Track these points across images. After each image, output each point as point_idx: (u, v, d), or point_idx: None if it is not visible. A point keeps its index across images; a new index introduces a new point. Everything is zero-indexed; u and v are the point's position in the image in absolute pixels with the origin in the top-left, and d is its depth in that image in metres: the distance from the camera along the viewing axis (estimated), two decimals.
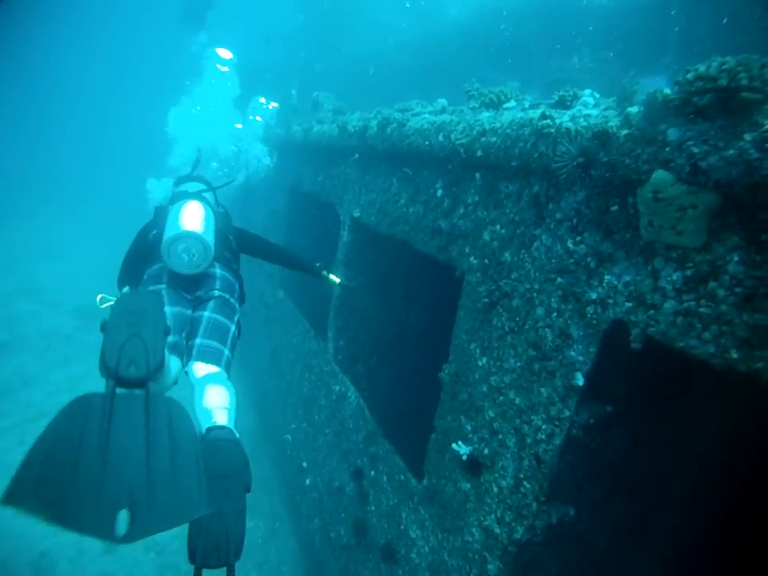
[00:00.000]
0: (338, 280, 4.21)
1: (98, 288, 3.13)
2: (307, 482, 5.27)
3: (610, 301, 1.87)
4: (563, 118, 1.94)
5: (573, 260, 2.04)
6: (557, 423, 2.11)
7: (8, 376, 8.88)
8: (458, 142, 2.53)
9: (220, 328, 2.89)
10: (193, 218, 3.00)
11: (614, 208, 1.85)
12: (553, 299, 2.14)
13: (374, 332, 4.91)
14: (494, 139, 2.32)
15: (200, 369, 2.66)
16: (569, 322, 2.06)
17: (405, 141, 3.18)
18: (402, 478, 3.40)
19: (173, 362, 2.54)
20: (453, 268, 2.87)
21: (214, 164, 7.54)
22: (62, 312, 12.16)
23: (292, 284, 6.93)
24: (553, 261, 2.14)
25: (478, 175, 2.65)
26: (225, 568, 1.84)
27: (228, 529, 1.90)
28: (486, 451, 2.55)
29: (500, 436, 2.45)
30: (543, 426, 2.18)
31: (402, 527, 3.34)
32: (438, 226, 2.93)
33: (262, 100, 8.10)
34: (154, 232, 3.22)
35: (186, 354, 2.76)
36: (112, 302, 2.92)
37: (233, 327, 2.98)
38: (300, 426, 5.59)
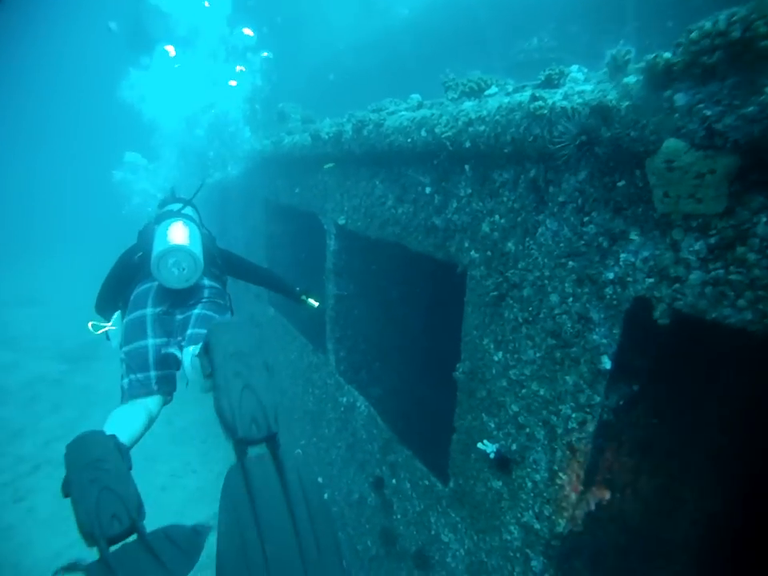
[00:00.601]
0: (316, 304, 4.22)
1: (81, 328, 3.09)
2: (325, 497, 5.16)
3: (629, 279, 1.81)
4: (555, 98, 1.88)
5: (583, 242, 1.98)
6: (587, 410, 2.06)
7: None
8: (443, 136, 2.46)
9: (209, 319, 2.96)
10: (180, 233, 3.07)
11: (621, 183, 1.79)
12: (567, 284, 2.08)
13: (374, 338, 4.83)
14: (483, 128, 2.25)
15: (192, 352, 2.73)
16: (587, 305, 2.01)
17: (384, 141, 3.10)
18: (427, 482, 3.33)
19: (157, 400, 2.77)
20: (453, 264, 2.80)
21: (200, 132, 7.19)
22: (46, 357, 11.86)
23: (282, 300, 6.80)
24: (561, 245, 2.08)
25: (467, 167, 2.58)
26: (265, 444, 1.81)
27: (260, 400, 1.85)
28: (513, 447, 2.49)
29: (527, 430, 2.39)
30: (573, 415, 2.12)
31: (433, 532, 3.27)
32: (432, 223, 2.85)
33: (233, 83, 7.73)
34: (140, 253, 3.25)
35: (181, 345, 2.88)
36: (106, 328, 3.18)
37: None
38: (310, 442, 5.48)
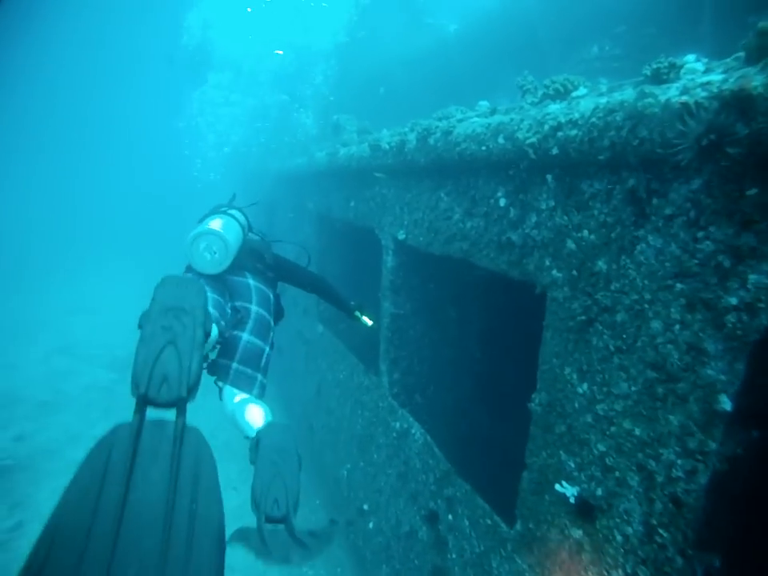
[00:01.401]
0: (370, 323, 4.25)
1: (130, 337, 3.12)
2: (370, 525, 4.91)
3: (761, 305, 1.53)
4: (670, 93, 1.63)
5: (697, 261, 1.71)
6: (699, 458, 1.76)
7: (56, 434, 8.83)
8: (527, 142, 2.24)
9: (255, 353, 3.03)
10: (215, 222, 3.20)
11: (752, 192, 1.52)
12: (673, 309, 1.80)
13: (429, 360, 4.60)
14: (574, 132, 2.02)
15: (235, 395, 2.89)
16: (700, 334, 1.72)
17: (454, 150, 2.90)
18: (489, 522, 3.04)
19: (214, 331, 2.58)
20: (530, 284, 2.55)
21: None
22: (98, 366, 12.18)
23: (331, 317, 6.66)
24: (667, 264, 1.81)
25: (549, 177, 2.35)
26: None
27: (286, 487, 2.16)
28: (599, 492, 2.19)
29: (616, 474, 2.09)
30: (679, 462, 1.82)
31: None
32: (508, 239, 2.62)
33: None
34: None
35: (222, 373, 2.95)
36: None
37: (267, 349, 3.13)
38: (356, 466, 5.25)
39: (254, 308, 3.14)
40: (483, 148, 2.62)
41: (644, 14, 6.52)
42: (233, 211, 3.60)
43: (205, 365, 2.76)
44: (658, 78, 1.75)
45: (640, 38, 5.71)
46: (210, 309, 2.64)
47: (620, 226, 2.00)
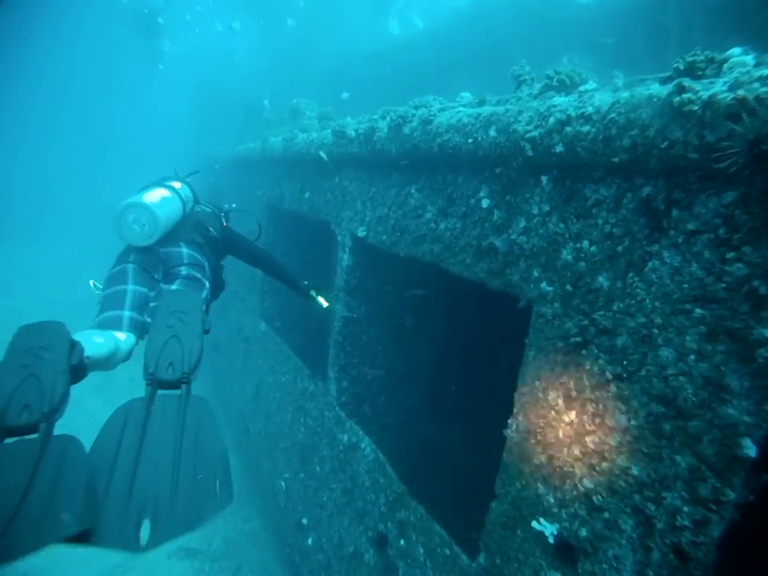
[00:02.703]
0: (325, 304, 4.02)
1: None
2: (309, 541, 4.56)
3: None
4: (715, 88, 1.40)
5: (724, 285, 1.50)
6: (712, 507, 1.55)
7: None
8: (527, 136, 1.97)
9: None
10: (149, 194, 3.11)
11: None
12: (689, 337, 1.59)
13: (381, 368, 4.29)
14: (587, 128, 1.77)
15: None
16: (722, 368, 1.51)
17: (433, 141, 2.61)
18: (447, 552, 2.77)
19: (125, 344, 2.57)
20: (512, 296, 2.30)
21: None
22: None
23: (275, 314, 6.24)
24: (685, 286, 1.60)
25: (545, 179, 2.10)
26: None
27: (183, 348, 2.04)
28: (582, 532, 1.96)
29: (605, 515, 1.87)
30: (685, 509, 1.61)
31: None
32: (490, 244, 2.35)
33: None
34: None
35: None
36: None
37: (200, 298, 2.92)
38: (296, 477, 4.88)
39: (184, 268, 3.11)
40: (470, 141, 2.34)
41: (603, 25, 6.53)
42: (173, 182, 3.51)
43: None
44: (692, 73, 1.53)
45: (613, 50, 5.67)
46: (127, 312, 2.72)
47: (629, 238, 1.77)
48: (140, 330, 2.74)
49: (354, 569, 3.74)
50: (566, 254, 2.01)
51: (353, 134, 3.45)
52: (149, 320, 2.77)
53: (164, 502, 1.56)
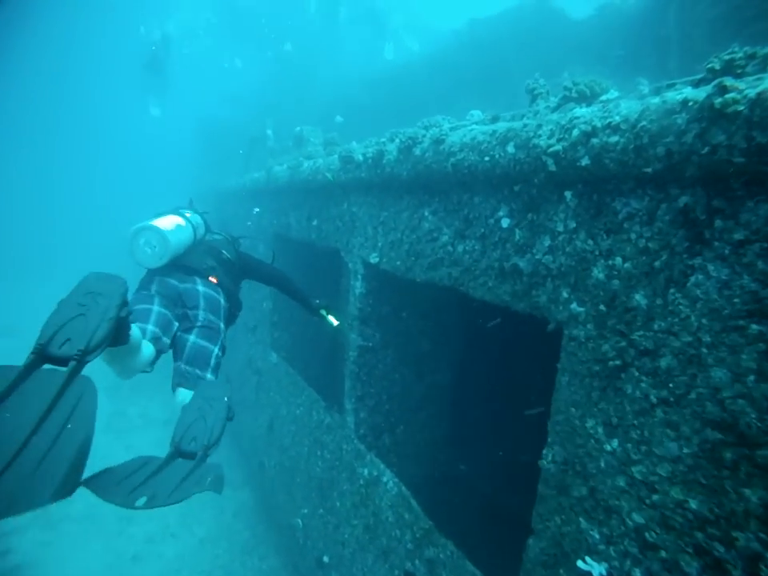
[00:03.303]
0: (336, 322, 4.18)
1: None
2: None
3: None
4: (765, 84, 1.30)
5: None
6: None
7: None
8: (549, 150, 1.88)
9: (203, 353, 3.15)
10: (161, 219, 3.29)
11: None
12: (745, 356, 1.46)
13: (399, 397, 4.16)
14: (615, 139, 1.68)
15: (183, 394, 2.92)
16: None
17: (446, 162, 2.53)
18: None
19: (147, 349, 2.70)
20: (540, 319, 2.18)
21: None
22: None
23: (285, 345, 6.14)
24: (736, 300, 1.48)
25: (569, 194, 2.01)
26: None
27: (207, 428, 2.20)
28: (636, 573, 1.81)
29: (662, 553, 1.72)
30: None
31: None
32: (513, 265, 2.25)
33: None
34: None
35: (173, 376, 3.05)
36: None
37: (216, 350, 3.23)
38: (315, 513, 4.70)
39: (201, 313, 3.25)
40: (486, 159, 2.26)
41: (607, 38, 6.51)
42: (185, 210, 3.73)
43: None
44: (731, 72, 1.44)
45: (617, 62, 5.64)
46: (151, 326, 2.91)
47: (667, 252, 1.66)
48: (160, 346, 2.90)
49: None
50: (598, 272, 1.90)
51: (360, 158, 3.39)
52: (168, 341, 3.02)
53: None
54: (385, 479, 3.53)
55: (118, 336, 2.04)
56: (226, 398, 2.48)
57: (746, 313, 1.46)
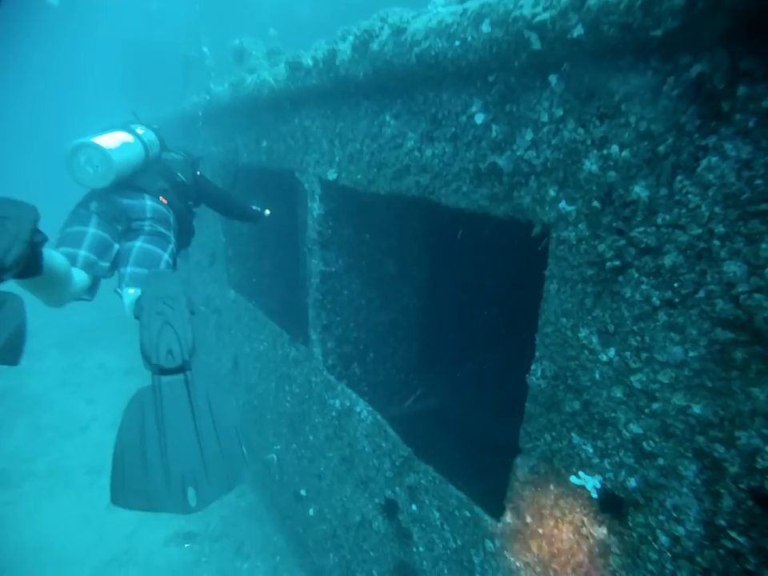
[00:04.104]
0: (268, 212, 4.37)
1: None
2: (311, 512, 4.35)
3: None
4: None
5: None
6: None
7: None
8: (535, 21, 1.59)
9: (150, 256, 2.91)
10: (105, 136, 2.99)
11: None
12: (765, 245, 1.29)
13: (367, 324, 3.98)
14: None
15: (132, 295, 2.70)
16: None
17: (409, 53, 2.20)
18: (468, 514, 2.55)
19: (79, 276, 2.57)
20: (523, 223, 1.97)
21: None
22: None
23: (243, 281, 5.82)
24: (759, 182, 1.29)
25: (554, 78, 1.74)
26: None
27: (178, 335, 2.10)
28: (632, 483, 1.72)
29: (660, 461, 1.63)
30: (767, 449, 1.36)
31: None
32: (491, 165, 2.00)
33: None
34: None
35: (118, 282, 2.81)
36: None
37: (165, 255, 2.98)
38: (289, 448, 4.61)
39: (147, 223, 3.02)
40: (456, 43, 1.94)
41: None
42: (137, 126, 3.44)
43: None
44: None
45: None
46: (84, 252, 2.67)
47: (674, 134, 1.44)
48: (95, 271, 2.71)
49: (364, 537, 3.53)
50: (590, 165, 1.68)
51: (310, 63, 2.99)
52: (106, 264, 2.78)
53: (199, 471, 1.80)
54: (358, 409, 3.40)
55: (29, 267, 1.86)
56: (181, 290, 2.34)
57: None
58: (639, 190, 1.55)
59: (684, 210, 1.45)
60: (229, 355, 6.03)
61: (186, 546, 5.37)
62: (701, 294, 1.45)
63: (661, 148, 1.48)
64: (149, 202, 3.10)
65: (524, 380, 2.10)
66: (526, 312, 2.62)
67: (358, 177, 2.88)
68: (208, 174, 4.91)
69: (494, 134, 2.00)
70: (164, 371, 2.00)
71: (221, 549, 5.36)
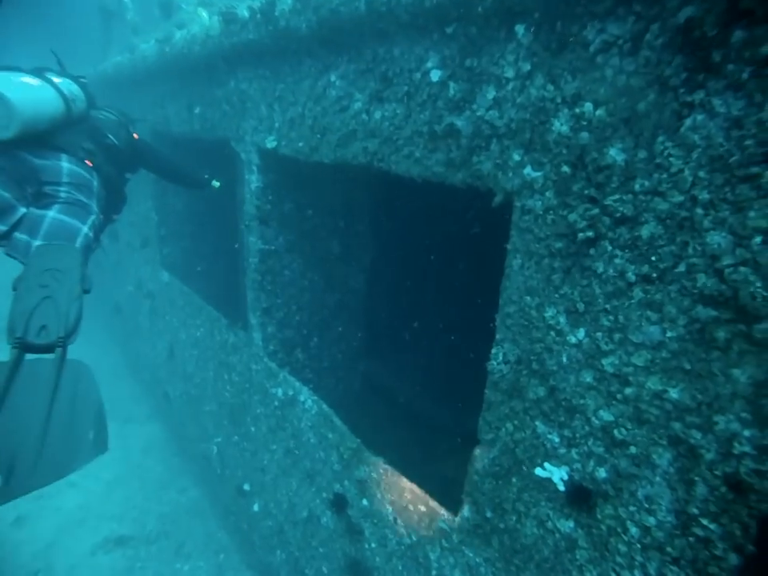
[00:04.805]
0: (218, 184, 4.10)
1: None
2: (255, 507, 4.10)
3: None
4: None
5: None
6: None
7: None
8: None
9: (65, 229, 2.52)
10: (9, 82, 2.59)
11: None
12: (754, 213, 1.16)
13: (310, 307, 3.74)
14: None
15: None
16: None
17: (358, 1, 1.96)
18: (423, 508, 2.39)
19: None
20: (482, 192, 1.79)
21: None
22: None
23: (177, 262, 5.42)
24: (750, 143, 1.15)
25: (521, 28, 1.55)
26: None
27: (59, 311, 1.93)
28: (601, 473, 1.60)
29: (632, 449, 1.51)
30: (746, 433, 1.25)
31: (434, 573, 2.37)
32: (448, 126, 1.80)
33: None
34: None
35: (22, 253, 2.37)
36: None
37: (84, 229, 2.59)
38: (230, 441, 4.33)
39: (63, 189, 2.64)
40: None
41: None
42: (52, 75, 3.00)
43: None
44: None
45: None
46: None
47: (656, 89, 1.29)
48: None
49: (312, 532, 3.33)
50: (560, 125, 1.50)
51: (246, 14, 2.68)
52: (2, 228, 2.45)
53: (26, 458, 1.64)
54: (302, 398, 3.18)
55: None
56: (76, 265, 2.14)
57: (762, 157, 1.14)
58: (615, 153, 1.40)
59: (665, 175, 1.30)
60: (164, 343, 5.62)
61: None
62: (681, 267, 1.31)
63: (641, 105, 1.32)
64: (65, 164, 2.73)
65: (475, 362, 1.96)
66: (483, 291, 2.47)
67: (300, 144, 2.62)
68: (147, 137, 4.49)
69: (451, 92, 1.80)
70: (30, 347, 1.85)
71: (158, 551, 4.99)
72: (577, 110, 1.46)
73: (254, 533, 4.19)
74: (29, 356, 1.89)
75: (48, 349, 1.86)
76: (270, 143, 2.84)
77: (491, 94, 1.68)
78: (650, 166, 1.33)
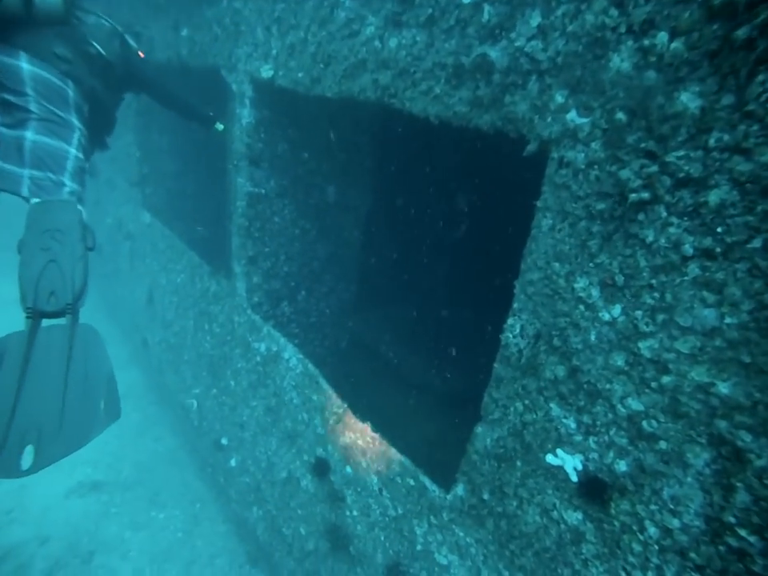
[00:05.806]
0: (222, 126, 3.55)
1: None
2: (233, 462, 3.97)
3: None
4: None
5: None
6: None
7: None
8: None
9: (53, 154, 2.29)
10: None
11: None
12: None
13: (300, 257, 3.49)
14: None
15: None
16: None
17: None
18: (411, 482, 2.24)
19: None
20: (512, 139, 1.54)
21: None
22: None
23: (160, 203, 5.09)
24: None
25: None
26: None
27: (64, 275, 1.90)
28: (620, 466, 1.43)
29: (662, 444, 1.33)
30: None
31: (420, 548, 2.24)
32: (479, 58, 1.52)
33: None
34: None
35: (13, 184, 2.15)
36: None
37: (72, 151, 2.37)
38: (208, 393, 4.15)
39: (33, 100, 2.28)
40: None
41: None
42: None
43: None
44: None
45: None
46: None
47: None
48: None
49: (291, 493, 3.20)
50: (620, 61, 1.24)
51: None
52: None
53: (50, 427, 1.66)
54: (286, 356, 2.98)
55: None
56: (75, 221, 2.03)
57: None
58: (688, 99, 1.15)
59: (755, 127, 1.06)
60: (143, 287, 5.35)
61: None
62: (755, 243, 1.09)
63: (740, 32, 1.07)
64: (25, 65, 2.32)
65: (470, 324, 1.75)
66: (496, 253, 2.25)
67: (300, 75, 2.31)
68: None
69: (485, 16, 1.51)
70: (43, 315, 1.83)
71: (134, 498, 4.89)
72: (646, 42, 1.19)
73: (231, 488, 4.07)
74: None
75: (60, 314, 1.85)
76: (266, 72, 2.52)
77: (536, 20, 1.40)
78: (735, 116, 1.08)
